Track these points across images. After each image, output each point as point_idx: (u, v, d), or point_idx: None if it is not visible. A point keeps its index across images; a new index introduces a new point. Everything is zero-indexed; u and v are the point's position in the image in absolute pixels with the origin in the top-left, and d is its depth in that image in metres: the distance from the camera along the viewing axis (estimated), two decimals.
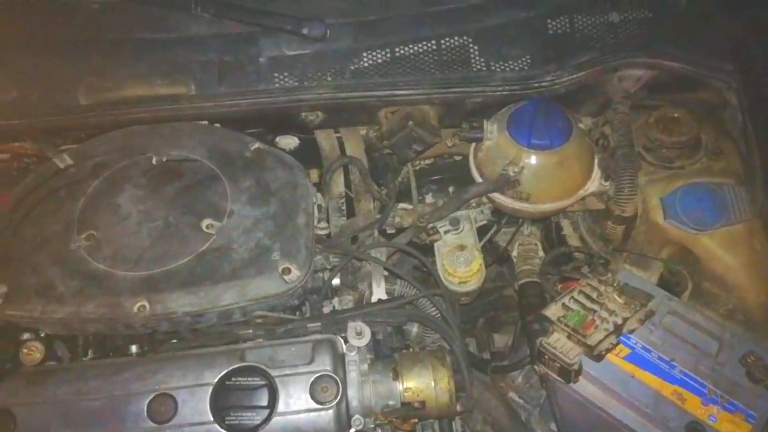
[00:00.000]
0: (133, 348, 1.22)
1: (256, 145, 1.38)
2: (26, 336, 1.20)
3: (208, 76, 1.33)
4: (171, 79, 1.32)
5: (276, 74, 1.34)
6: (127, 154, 1.35)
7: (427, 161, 1.57)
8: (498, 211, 1.50)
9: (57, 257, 1.20)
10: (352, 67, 1.37)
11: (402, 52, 1.39)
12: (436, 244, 1.41)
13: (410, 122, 1.34)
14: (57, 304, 1.14)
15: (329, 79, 1.36)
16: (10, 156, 1.44)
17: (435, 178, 1.56)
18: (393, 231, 1.48)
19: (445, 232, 1.42)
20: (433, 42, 1.40)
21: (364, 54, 1.38)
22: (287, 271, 1.20)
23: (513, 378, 1.40)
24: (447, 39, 1.40)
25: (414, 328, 1.39)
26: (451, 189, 1.55)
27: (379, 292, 1.29)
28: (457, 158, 1.54)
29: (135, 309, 1.14)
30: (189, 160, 1.34)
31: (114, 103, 1.33)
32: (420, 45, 1.39)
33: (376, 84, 1.36)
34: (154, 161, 1.33)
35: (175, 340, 1.23)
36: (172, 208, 1.25)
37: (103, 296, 1.15)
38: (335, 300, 1.34)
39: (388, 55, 1.39)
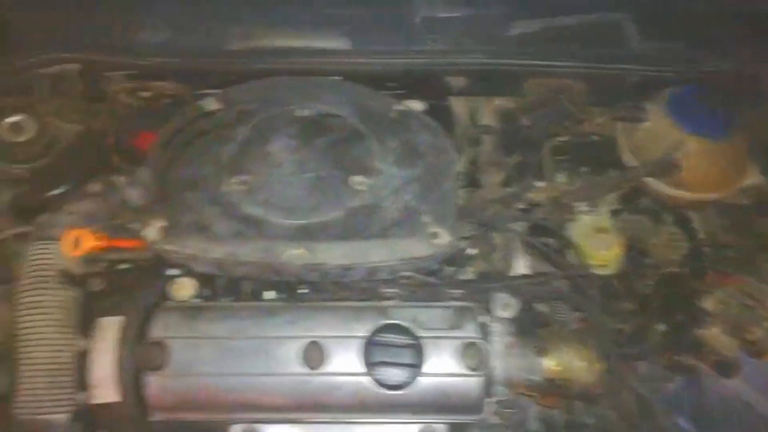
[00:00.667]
0: (270, 294, 1.25)
1: (399, 105, 1.38)
2: (172, 272, 1.24)
3: (362, 31, 1.32)
4: (324, 32, 1.32)
5: (429, 35, 1.33)
6: (272, 104, 1.36)
7: (561, 139, 1.55)
8: (629, 196, 1.49)
9: (212, 198, 1.21)
10: (505, 34, 1.36)
11: (558, 23, 1.37)
12: (571, 225, 1.40)
13: (562, 96, 1.33)
14: (214, 244, 1.16)
15: (481, 44, 1.34)
16: (152, 94, 1.46)
17: (567, 156, 1.55)
18: (523, 206, 1.47)
19: (583, 213, 1.41)
20: (592, 15, 1.37)
21: (519, 22, 1.37)
22: (435, 235, 1.20)
23: (635, 367, 1.40)
24: (605, 13, 1.38)
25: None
26: (583, 169, 1.53)
27: (519, 266, 1.29)
28: (594, 138, 1.52)
29: (290, 256, 1.16)
30: (334, 115, 1.34)
31: (264, 51, 1.33)
32: (577, 17, 1.37)
33: (529, 53, 1.35)
34: (299, 113, 1.34)
35: (305, 290, 1.25)
36: (322, 161, 1.25)
37: (260, 240, 1.16)
38: (469, 269, 1.35)
39: (543, 25, 1.37)
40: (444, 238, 1.19)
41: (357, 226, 1.19)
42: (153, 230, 1.17)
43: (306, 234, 1.18)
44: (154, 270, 1.23)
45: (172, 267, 1.21)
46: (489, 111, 1.51)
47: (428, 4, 1.31)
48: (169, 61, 1.31)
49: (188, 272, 1.22)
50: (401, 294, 1.23)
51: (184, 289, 1.18)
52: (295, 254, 1.16)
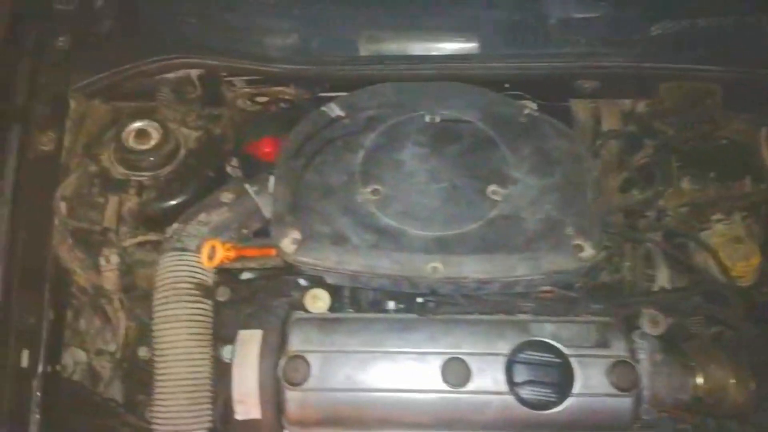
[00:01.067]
0: (390, 304, 1.23)
1: (527, 110, 1.33)
2: (303, 283, 1.22)
3: (496, 34, 1.28)
4: (458, 36, 1.28)
5: (565, 37, 1.28)
6: (398, 109, 1.32)
7: (690, 143, 1.49)
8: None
9: (346, 208, 1.18)
10: (641, 36, 1.30)
11: (695, 24, 1.30)
12: (704, 234, 1.34)
13: (707, 100, 1.26)
14: (352, 256, 1.13)
15: (617, 46, 1.28)
16: (268, 100, 1.44)
17: (695, 161, 1.48)
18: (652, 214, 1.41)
19: (717, 221, 1.35)
20: (730, 17, 1.30)
21: (656, 23, 1.30)
22: (581, 248, 1.15)
23: None
24: (744, 14, 1.30)
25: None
26: (711, 175, 1.46)
27: (663, 279, 1.24)
28: (724, 143, 1.45)
29: (428, 269, 1.13)
30: (462, 121, 1.31)
31: (395, 56, 1.30)
32: (715, 19, 1.30)
33: (666, 56, 1.28)
34: (427, 119, 1.31)
35: (431, 302, 1.22)
36: (456, 170, 1.22)
37: (397, 252, 1.14)
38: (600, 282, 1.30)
39: (680, 26, 1.30)
40: (588, 251, 1.14)
41: (497, 239, 1.15)
42: (288, 241, 1.16)
43: (443, 246, 1.15)
44: (283, 280, 1.23)
45: (299, 277, 1.21)
46: (614, 114, 1.46)
47: (562, 6, 1.26)
48: (299, 67, 1.29)
49: (318, 283, 1.21)
50: (535, 308, 1.19)
51: (320, 300, 1.17)
52: (433, 267, 1.14)
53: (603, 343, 1.12)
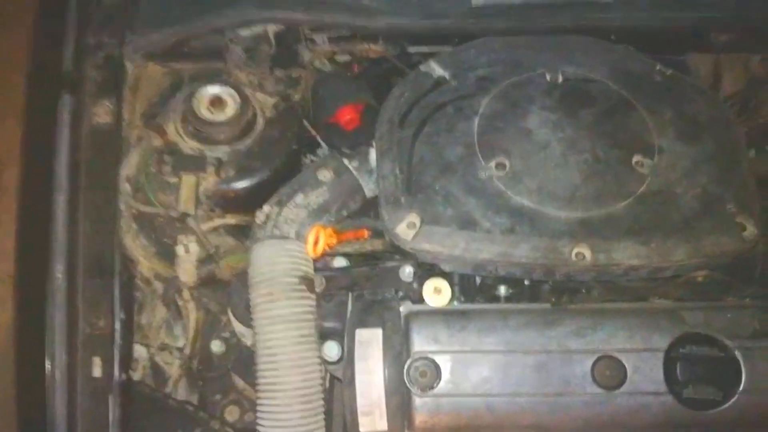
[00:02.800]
0: (501, 289, 1.09)
1: (659, 66, 1.17)
2: (411, 271, 1.06)
3: None
4: None
5: None
6: (512, 68, 1.15)
7: None
8: None
9: (469, 187, 1.02)
10: None
11: None
12: None
13: None
14: (484, 242, 0.97)
15: None
16: (350, 59, 1.26)
17: None
18: None
19: None
20: None
21: None
22: (742, 227, 1.01)
23: None
24: None
25: None
26: None
27: None
28: None
29: (573, 256, 0.98)
30: (591, 80, 1.14)
31: (512, 6, 1.12)
32: None
33: None
34: (549, 79, 1.14)
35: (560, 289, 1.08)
36: (594, 139, 1.06)
37: (537, 237, 0.98)
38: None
39: None
40: (751, 230, 1.00)
41: (652, 219, 0.99)
42: (405, 226, 1.00)
43: (589, 229, 0.99)
44: (390, 269, 1.07)
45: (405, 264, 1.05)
46: (738, 70, 1.30)
47: None
48: (401, 22, 1.10)
49: (430, 271, 1.06)
50: (685, 294, 1.06)
51: (442, 292, 1.02)
52: (579, 254, 0.99)
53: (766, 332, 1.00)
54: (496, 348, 0.98)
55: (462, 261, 0.99)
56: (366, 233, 1.12)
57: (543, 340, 0.98)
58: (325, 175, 1.06)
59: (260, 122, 1.16)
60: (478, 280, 1.09)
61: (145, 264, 1.17)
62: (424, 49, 1.23)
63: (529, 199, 1.00)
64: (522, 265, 0.99)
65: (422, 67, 1.16)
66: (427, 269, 1.05)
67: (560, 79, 1.12)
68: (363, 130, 1.22)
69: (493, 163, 1.04)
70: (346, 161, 1.08)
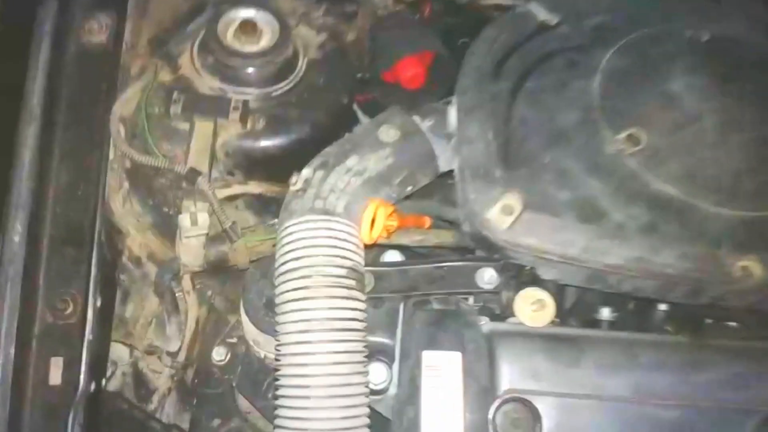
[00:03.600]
0: (605, 312, 0.81)
1: None
2: (493, 276, 0.78)
3: None
4: None
5: None
6: (639, 19, 0.88)
7: None
8: None
9: (591, 163, 0.74)
10: None
11: None
12: None
13: None
14: (615, 243, 0.70)
15: None
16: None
17: None
18: None
19: None
20: None
21: None
22: None
23: None
24: None
25: None
26: None
27: None
28: None
29: (736, 270, 0.71)
30: (743, 41, 0.87)
31: None
32: None
33: None
34: (690, 36, 0.88)
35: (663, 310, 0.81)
36: (763, 114, 0.80)
37: (689, 242, 0.70)
38: None
39: None
40: None
41: None
42: (500, 211, 0.73)
43: (759, 235, 0.73)
44: (466, 270, 0.80)
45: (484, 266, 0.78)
46: None
47: None
48: None
49: (522, 277, 0.78)
50: None
51: (546, 308, 0.75)
52: (745, 268, 0.71)
53: None
54: (621, 394, 0.70)
55: (576, 266, 0.72)
56: (428, 222, 0.86)
57: (686, 388, 0.69)
58: (389, 134, 0.77)
59: (302, 63, 0.88)
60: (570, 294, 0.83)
61: (137, 237, 0.90)
62: None
63: (676, 186, 0.72)
64: (664, 277, 0.71)
65: (521, 9, 0.90)
66: (511, 274, 0.78)
67: (705, 36, 0.86)
68: (430, 89, 0.97)
69: (623, 135, 0.75)
70: (417, 119, 0.80)
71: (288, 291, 0.70)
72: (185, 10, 0.92)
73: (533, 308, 0.73)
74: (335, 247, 0.71)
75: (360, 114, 1.12)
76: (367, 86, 1.00)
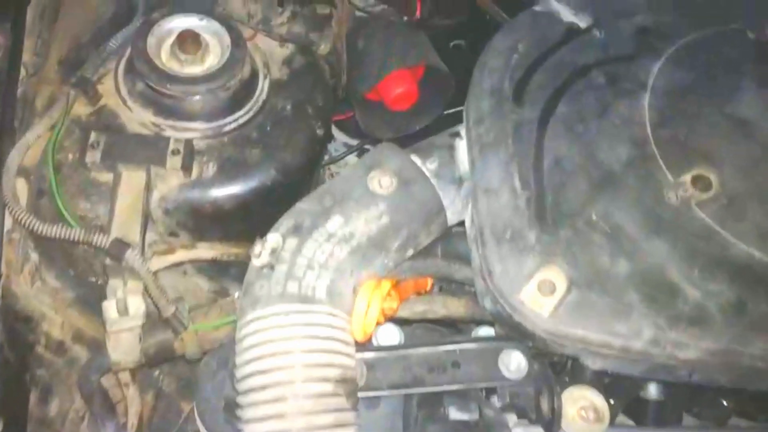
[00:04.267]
0: (652, 390, 0.65)
1: None
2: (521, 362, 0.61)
3: None
4: None
5: None
6: (688, 17, 0.71)
7: None
8: None
9: (650, 217, 0.55)
10: None
11: None
12: None
13: None
14: (695, 331, 0.53)
15: None
16: None
17: None
18: None
19: None
20: None
21: None
22: None
23: None
24: None
25: None
26: None
27: None
28: None
29: None
30: None
31: None
32: None
33: None
34: (753, 36, 0.71)
35: None
36: None
37: None
38: None
39: None
40: None
41: None
42: (536, 289, 0.54)
43: None
44: (480, 351, 0.62)
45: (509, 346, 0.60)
46: None
47: None
48: None
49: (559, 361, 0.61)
50: None
51: (601, 418, 0.57)
52: None
53: None
54: None
55: (641, 359, 0.56)
56: (429, 283, 0.68)
57: None
58: (383, 182, 0.58)
59: (262, 85, 0.68)
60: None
61: (56, 318, 0.70)
62: None
63: (763, 247, 0.57)
64: (752, 371, 0.55)
65: (540, 6, 0.72)
66: (546, 360, 0.61)
67: None
68: (422, 110, 0.79)
69: (687, 177, 0.58)
70: (417, 159, 0.61)
71: (255, 419, 0.51)
72: (106, 20, 0.71)
73: (582, 415, 0.57)
74: (318, 351, 0.52)
75: (336, 131, 0.95)
76: (343, 105, 0.81)
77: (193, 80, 0.63)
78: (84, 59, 0.69)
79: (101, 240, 0.59)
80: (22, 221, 0.58)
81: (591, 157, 0.59)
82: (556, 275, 0.54)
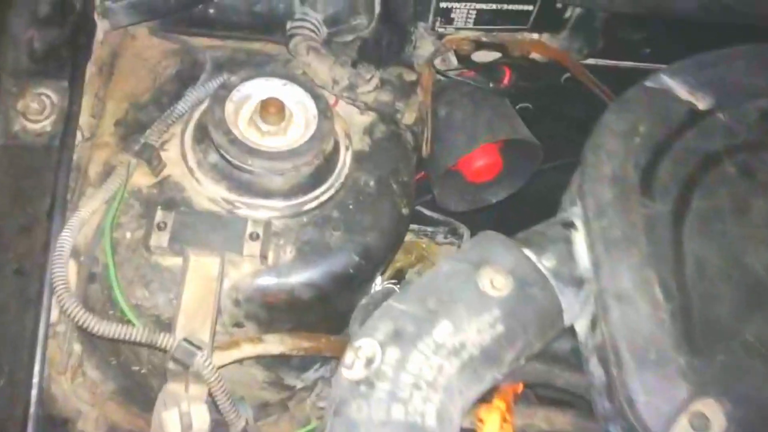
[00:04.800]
0: None
1: None
2: None
3: None
4: None
5: None
6: None
7: None
8: None
9: None
10: None
11: None
12: None
13: None
14: None
15: None
16: (501, 58, 0.73)
17: None
18: None
19: None
20: None
21: None
22: None
23: None
24: None
25: None
26: None
27: None
28: None
29: None
30: None
31: None
32: None
33: None
34: None
35: None
36: None
37: None
38: None
39: None
40: None
41: None
42: (690, 429, 0.46)
43: None
44: None
45: None
46: None
47: None
48: None
49: None
50: None
51: None
52: None
53: None
54: None
55: None
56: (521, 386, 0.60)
57: None
58: (497, 282, 0.50)
59: (344, 158, 0.61)
60: None
61: (91, 413, 0.60)
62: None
63: None
64: None
65: (652, 83, 0.66)
66: None
67: None
68: (504, 183, 0.73)
69: None
70: (531, 255, 0.53)
71: None
72: (168, 78, 0.64)
73: None
74: None
75: None
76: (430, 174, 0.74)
77: (278, 156, 0.55)
78: (143, 121, 0.61)
79: (167, 341, 0.50)
80: (76, 317, 0.50)
81: (736, 262, 0.52)
82: (712, 410, 0.46)
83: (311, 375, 0.73)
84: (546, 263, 0.54)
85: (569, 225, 0.58)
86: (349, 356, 0.50)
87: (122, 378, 0.63)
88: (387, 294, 0.66)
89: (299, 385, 0.72)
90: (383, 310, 0.52)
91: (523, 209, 0.80)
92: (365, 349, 0.50)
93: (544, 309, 0.53)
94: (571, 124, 0.86)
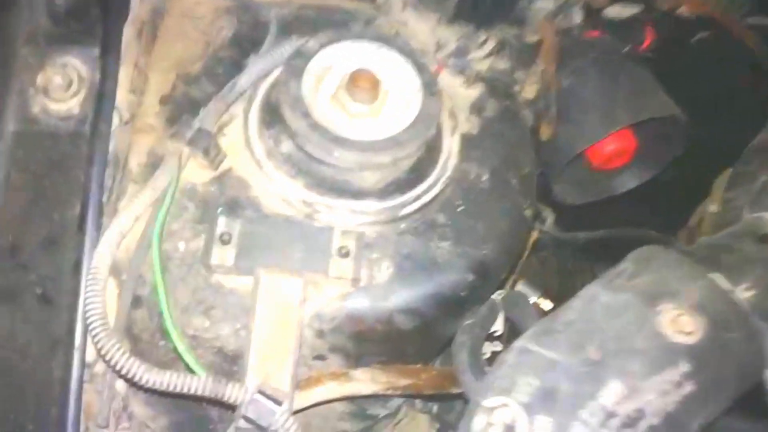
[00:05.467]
0: None
1: None
2: None
3: None
4: None
5: None
6: None
7: None
8: None
9: None
10: None
11: None
12: None
13: None
14: None
15: None
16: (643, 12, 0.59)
17: None
18: None
19: None
20: None
21: None
22: None
23: None
24: None
25: None
26: None
27: None
28: None
29: None
30: None
31: None
32: None
33: None
34: None
35: None
36: None
37: None
38: None
39: None
40: None
41: None
42: None
43: None
44: None
45: None
46: None
47: None
48: None
49: None
50: None
51: None
52: None
53: None
54: None
55: None
56: None
57: None
58: (684, 323, 0.35)
59: (450, 145, 0.48)
60: None
61: None
62: None
63: None
64: None
65: None
66: None
67: None
68: (639, 168, 0.59)
69: None
70: (722, 282, 0.38)
71: None
72: (224, 42, 0.50)
73: None
74: None
75: None
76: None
77: (372, 146, 0.42)
78: (195, 98, 0.49)
79: (237, 394, 0.39)
80: (117, 365, 0.38)
81: None
82: None
83: (396, 402, 0.62)
84: (745, 294, 0.41)
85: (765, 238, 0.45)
86: (479, 421, 0.37)
87: (176, 411, 0.53)
88: (492, 309, 0.54)
89: (383, 413, 0.61)
90: (520, 354, 0.40)
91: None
92: (502, 414, 0.37)
93: (744, 358, 0.39)
94: (707, 97, 0.71)
